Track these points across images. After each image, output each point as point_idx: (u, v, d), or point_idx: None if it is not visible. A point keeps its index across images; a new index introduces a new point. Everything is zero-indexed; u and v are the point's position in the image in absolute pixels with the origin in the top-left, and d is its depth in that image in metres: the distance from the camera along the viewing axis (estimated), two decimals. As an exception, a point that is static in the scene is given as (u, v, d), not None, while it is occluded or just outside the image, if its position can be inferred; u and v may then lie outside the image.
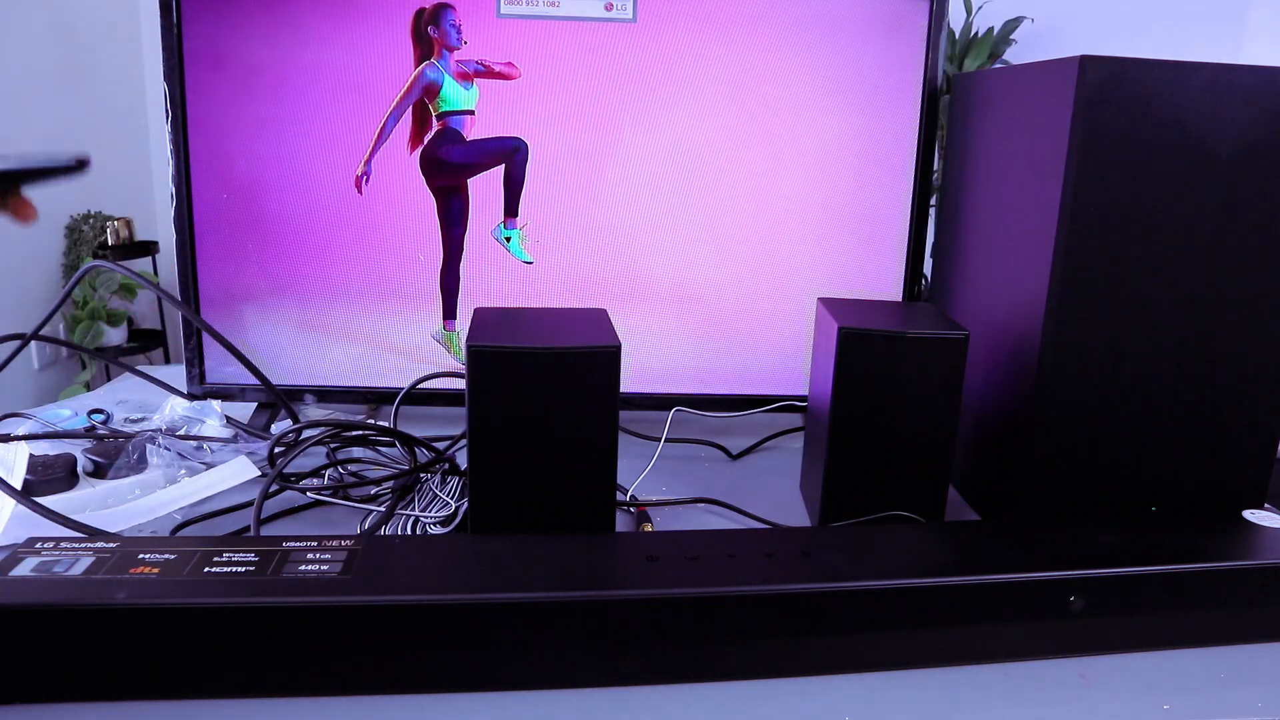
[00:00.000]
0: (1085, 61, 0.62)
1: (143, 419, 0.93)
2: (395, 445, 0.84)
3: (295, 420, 0.86)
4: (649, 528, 0.72)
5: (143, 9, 2.95)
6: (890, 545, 0.60)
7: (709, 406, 0.94)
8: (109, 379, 1.37)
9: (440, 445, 0.81)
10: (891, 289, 0.93)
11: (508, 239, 0.90)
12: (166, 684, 0.49)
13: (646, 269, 0.92)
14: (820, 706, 0.52)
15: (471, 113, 0.87)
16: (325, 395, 0.93)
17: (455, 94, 0.86)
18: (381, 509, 0.72)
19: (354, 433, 0.83)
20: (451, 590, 0.51)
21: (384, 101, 0.86)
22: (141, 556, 0.53)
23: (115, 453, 0.78)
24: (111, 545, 0.55)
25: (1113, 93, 0.62)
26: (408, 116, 0.87)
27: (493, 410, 0.60)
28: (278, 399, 0.85)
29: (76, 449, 0.80)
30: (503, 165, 0.88)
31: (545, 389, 0.60)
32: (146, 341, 2.79)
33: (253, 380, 0.86)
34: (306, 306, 0.91)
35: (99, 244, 2.66)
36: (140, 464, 0.77)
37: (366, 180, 0.88)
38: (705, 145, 0.89)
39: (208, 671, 0.49)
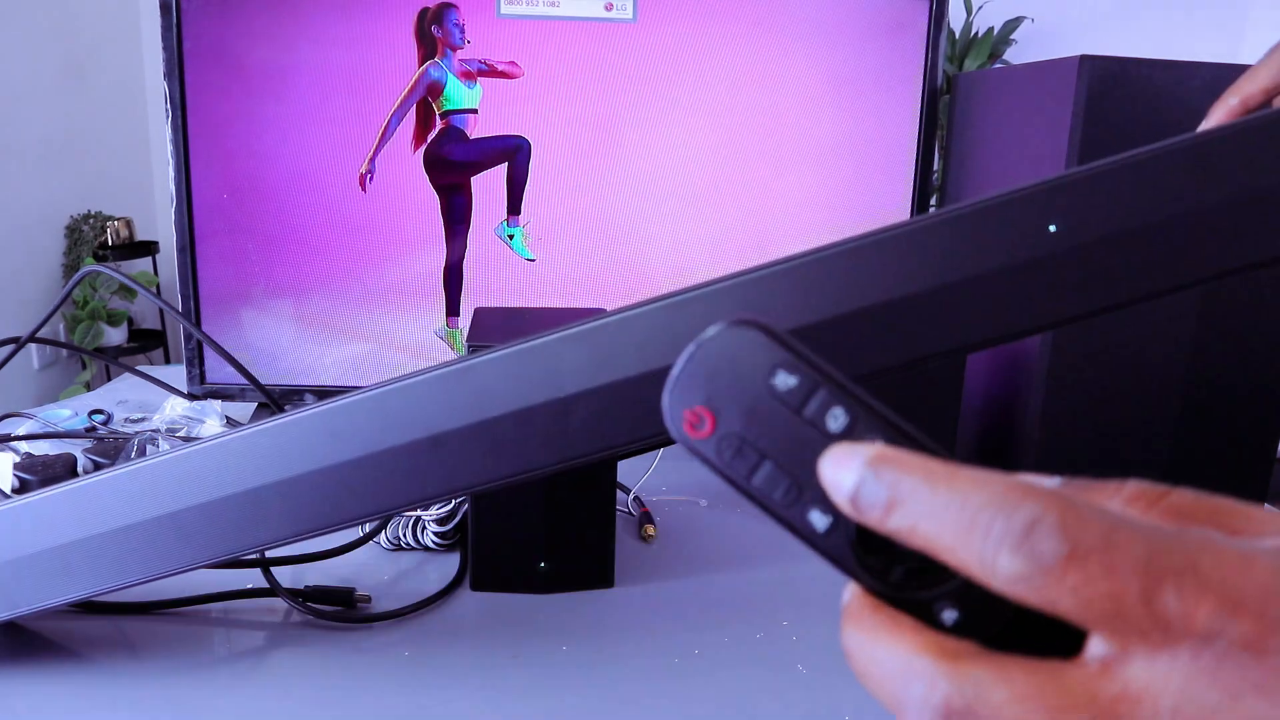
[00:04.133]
0: (1085, 61, 0.62)
1: (143, 419, 0.93)
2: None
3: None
4: (651, 529, 0.72)
5: (143, 9, 2.95)
6: None
7: (709, 406, 0.94)
8: (109, 379, 1.36)
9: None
10: (892, 289, 0.93)
11: (510, 237, 0.90)
12: None
13: (647, 267, 0.92)
14: (820, 706, 0.52)
15: (474, 111, 0.87)
16: (326, 395, 0.93)
17: (458, 93, 0.86)
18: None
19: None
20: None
21: (388, 100, 0.86)
22: None
23: (115, 453, 0.78)
24: None
25: (1113, 93, 0.62)
26: (411, 115, 0.87)
27: (494, 410, 0.60)
28: (274, 405, 0.85)
29: (76, 449, 0.80)
30: (505, 164, 0.89)
31: (546, 388, 0.60)
32: (147, 341, 2.79)
33: (253, 380, 0.86)
34: (308, 304, 0.91)
35: (99, 244, 2.66)
36: (141, 463, 0.77)
37: (370, 178, 0.88)
38: (705, 144, 0.89)
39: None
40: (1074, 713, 0.19)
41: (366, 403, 0.42)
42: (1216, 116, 0.45)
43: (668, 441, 0.38)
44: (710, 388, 0.22)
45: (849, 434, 0.22)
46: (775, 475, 0.22)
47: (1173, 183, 0.36)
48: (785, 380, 0.22)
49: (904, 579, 0.22)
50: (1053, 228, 0.36)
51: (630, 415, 0.39)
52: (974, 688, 0.20)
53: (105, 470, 0.46)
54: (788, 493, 0.22)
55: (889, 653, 0.21)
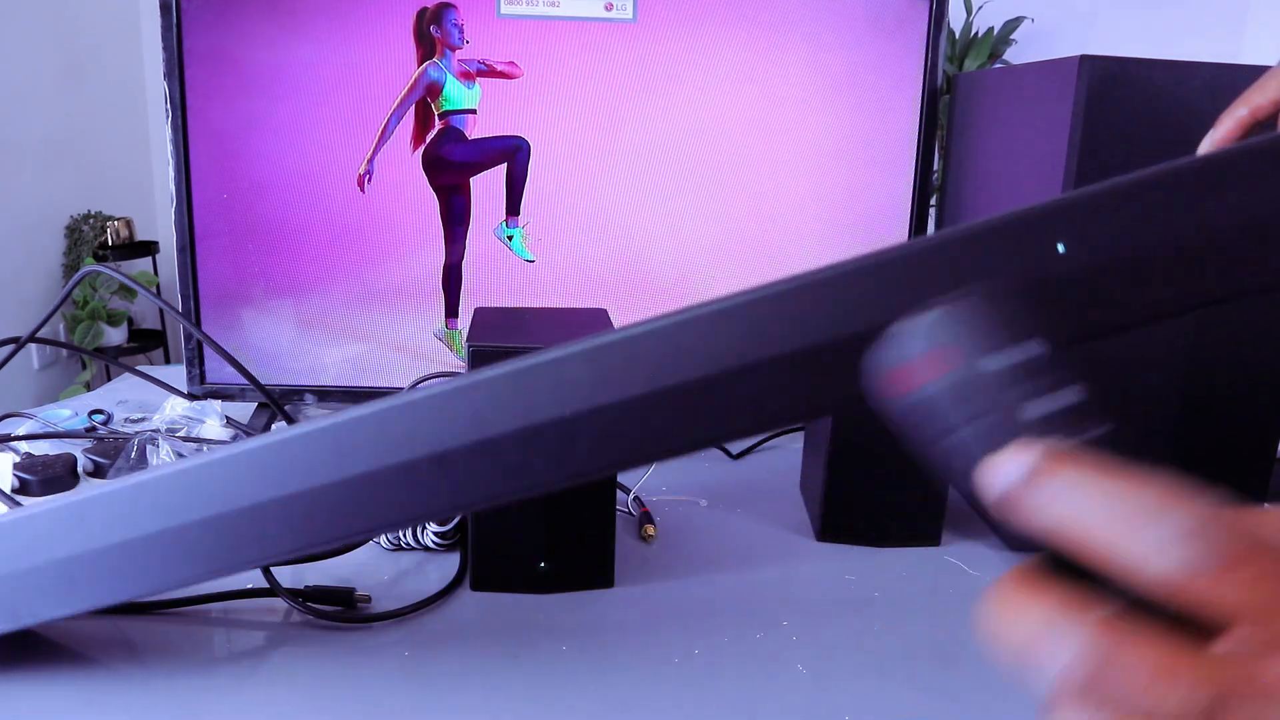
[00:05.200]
0: (1085, 61, 0.62)
1: (143, 419, 0.93)
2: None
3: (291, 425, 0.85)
4: (651, 529, 0.72)
5: (143, 9, 2.95)
6: None
7: (709, 406, 0.94)
8: (109, 379, 1.37)
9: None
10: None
11: (510, 237, 0.90)
12: None
13: (647, 268, 0.92)
14: (820, 706, 0.52)
15: (473, 112, 0.87)
16: (325, 395, 0.93)
17: (457, 93, 0.86)
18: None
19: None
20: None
21: (386, 101, 0.86)
22: None
23: (115, 453, 0.78)
24: None
25: (1113, 92, 0.62)
26: (410, 115, 0.87)
27: (493, 410, 0.60)
28: (275, 407, 0.85)
29: (76, 449, 0.80)
30: (504, 164, 0.88)
31: (546, 388, 0.60)
32: (147, 341, 2.79)
33: (253, 380, 0.86)
34: (307, 305, 0.91)
35: (99, 244, 2.66)
36: (140, 464, 0.78)
37: (369, 179, 0.88)
38: (705, 145, 0.89)
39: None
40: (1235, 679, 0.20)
41: (372, 419, 0.42)
42: (1224, 127, 0.45)
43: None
44: (925, 348, 0.22)
45: (1051, 423, 0.22)
46: (963, 444, 0.22)
47: (1173, 206, 0.35)
48: (1001, 360, 0.22)
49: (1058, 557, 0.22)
50: (1061, 248, 0.36)
51: (634, 436, 0.38)
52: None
53: (110, 483, 0.46)
54: (969, 463, 0.22)
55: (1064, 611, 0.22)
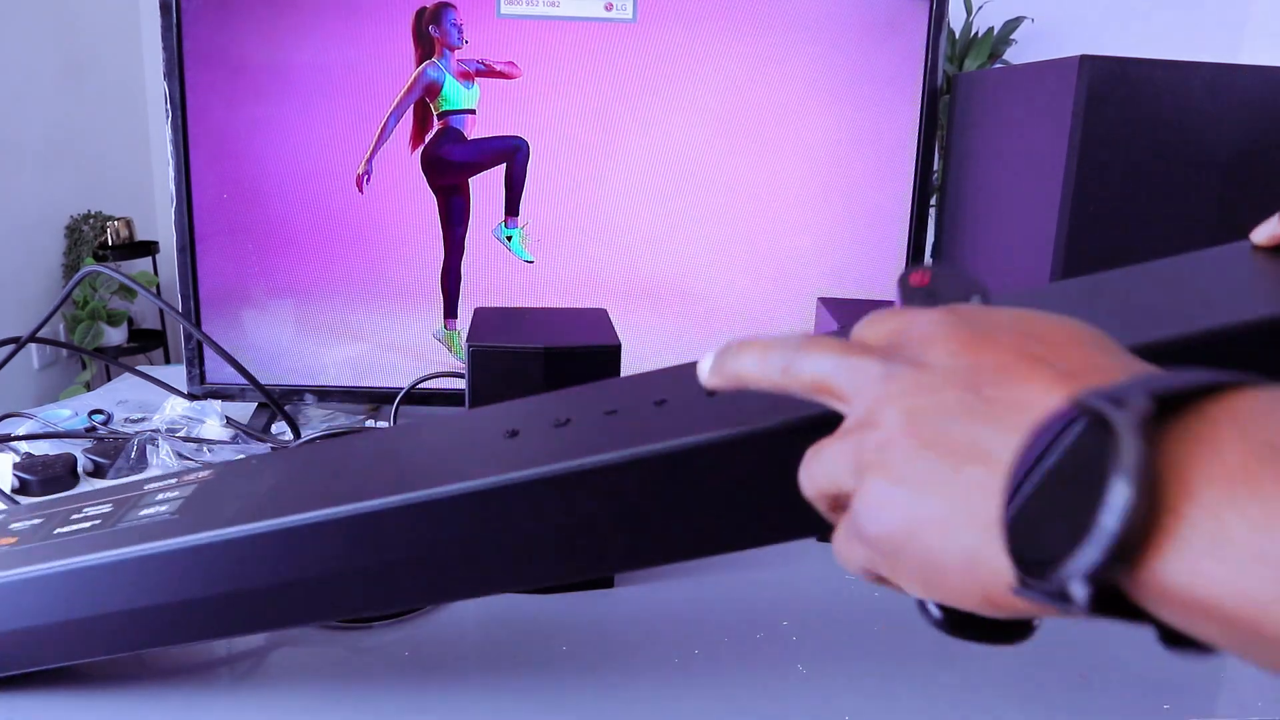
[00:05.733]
0: (1085, 61, 0.62)
1: (143, 419, 0.93)
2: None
3: (294, 428, 0.85)
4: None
5: (143, 9, 2.95)
6: None
7: (709, 406, 0.94)
8: (109, 379, 1.37)
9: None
10: (892, 288, 0.93)
11: (509, 238, 0.90)
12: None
13: (647, 268, 0.92)
14: (820, 706, 0.52)
15: (473, 112, 0.87)
16: (325, 395, 0.93)
17: (456, 93, 0.86)
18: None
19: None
20: (285, 513, 0.43)
21: (385, 101, 0.86)
22: (12, 526, 0.53)
23: (115, 453, 0.78)
24: None
25: (1113, 92, 0.62)
26: (409, 116, 0.87)
27: (493, 410, 0.60)
28: (275, 407, 0.85)
29: (76, 449, 0.80)
30: (504, 164, 0.89)
31: (546, 388, 0.60)
32: (147, 341, 2.79)
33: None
34: (307, 306, 0.91)
35: (99, 244, 2.66)
36: (140, 464, 0.78)
37: (368, 179, 0.88)
38: (705, 145, 0.89)
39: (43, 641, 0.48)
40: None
41: (388, 514, 0.42)
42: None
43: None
44: (937, 277, 0.38)
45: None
46: None
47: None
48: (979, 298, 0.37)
49: None
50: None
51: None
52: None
53: (127, 549, 0.45)
54: None
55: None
